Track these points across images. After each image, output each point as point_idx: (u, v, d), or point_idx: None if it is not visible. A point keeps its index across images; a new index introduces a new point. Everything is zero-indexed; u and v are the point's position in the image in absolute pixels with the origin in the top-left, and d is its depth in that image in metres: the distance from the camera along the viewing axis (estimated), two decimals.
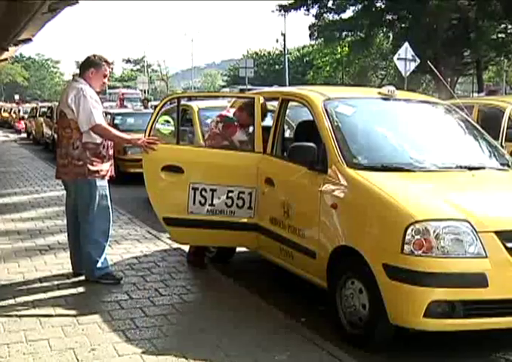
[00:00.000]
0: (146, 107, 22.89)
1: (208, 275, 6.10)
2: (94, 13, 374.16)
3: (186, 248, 7.05)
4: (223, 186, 5.80)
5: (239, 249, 6.74)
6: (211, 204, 5.82)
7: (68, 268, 6.14)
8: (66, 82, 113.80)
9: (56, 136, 5.67)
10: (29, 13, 13.02)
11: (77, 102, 5.60)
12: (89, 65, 5.86)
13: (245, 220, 5.88)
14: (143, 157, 5.99)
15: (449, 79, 32.50)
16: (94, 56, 5.94)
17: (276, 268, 5.83)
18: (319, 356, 4.22)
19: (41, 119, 25.08)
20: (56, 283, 5.72)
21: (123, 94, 49.70)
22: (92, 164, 5.66)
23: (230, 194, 5.80)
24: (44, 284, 5.69)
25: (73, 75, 6.09)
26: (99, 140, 5.69)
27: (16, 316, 4.84)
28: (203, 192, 5.80)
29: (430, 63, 9.38)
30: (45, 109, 27.16)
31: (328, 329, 4.83)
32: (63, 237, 7.49)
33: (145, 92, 51.54)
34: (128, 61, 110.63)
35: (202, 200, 5.82)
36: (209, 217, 5.84)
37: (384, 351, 4.51)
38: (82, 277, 5.84)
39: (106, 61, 5.96)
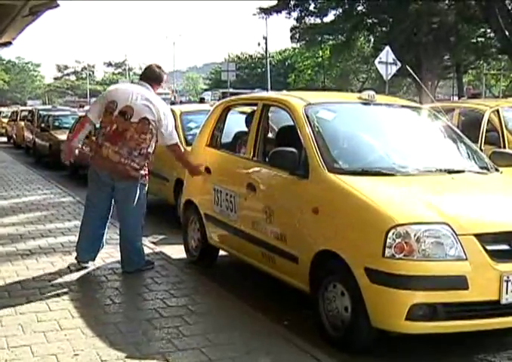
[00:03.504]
0: None
1: (191, 279, 6.10)
2: (75, 16, 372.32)
3: (168, 252, 7.07)
4: (225, 189, 6.14)
5: (222, 252, 6.76)
6: (221, 205, 6.24)
7: (49, 272, 6.13)
8: (47, 85, 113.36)
9: (115, 131, 6.06)
10: (10, 16, 12.91)
11: (167, 117, 6.17)
12: (160, 80, 6.40)
13: (233, 224, 6.01)
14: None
15: (430, 83, 32.73)
16: (159, 67, 6.47)
17: (259, 272, 5.84)
18: (302, 359, 4.23)
19: (22, 123, 24.93)
20: (37, 287, 5.70)
21: None
22: (144, 169, 6.26)
23: (229, 198, 6.06)
24: (26, 289, 5.65)
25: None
26: (153, 149, 6.26)
27: None
28: (218, 194, 6.29)
29: (408, 67, 9.45)
30: (26, 113, 27.01)
31: (311, 332, 4.85)
32: (45, 242, 7.51)
33: None
34: (110, 64, 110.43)
35: (217, 200, 6.31)
36: (220, 217, 6.30)
37: (366, 353, 4.54)
38: (62, 280, 5.85)
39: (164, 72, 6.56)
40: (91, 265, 6.43)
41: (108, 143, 6.07)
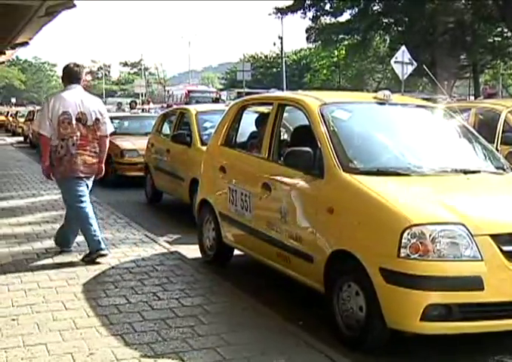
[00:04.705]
0: (133, 108, 21.69)
1: (206, 279, 6.11)
2: (91, 16, 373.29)
3: (183, 252, 7.08)
4: (240, 189, 6.13)
5: (236, 252, 6.76)
6: (236, 205, 6.23)
7: (65, 271, 6.17)
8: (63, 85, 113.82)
9: (81, 137, 6.60)
10: (26, 17, 13.01)
11: (104, 109, 6.85)
12: (82, 76, 6.83)
13: (248, 223, 6.01)
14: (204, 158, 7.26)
15: (446, 82, 32.58)
16: (77, 65, 6.89)
17: (273, 271, 5.84)
18: (316, 358, 4.23)
19: None
20: (53, 286, 5.74)
21: (189, 92, 40.79)
22: None
23: (244, 197, 6.05)
24: (42, 288, 5.69)
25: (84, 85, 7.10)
26: None
27: (14, 320, 4.84)
28: (233, 193, 6.26)
29: (425, 67, 9.44)
30: None
31: (325, 331, 4.84)
32: None
33: (142, 95, 50.55)
34: (125, 64, 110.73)
35: (232, 200, 6.29)
36: (235, 216, 6.28)
37: (380, 353, 4.53)
38: (77, 279, 5.90)
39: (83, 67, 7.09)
40: (106, 264, 6.46)
41: (81, 150, 6.57)
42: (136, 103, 24.33)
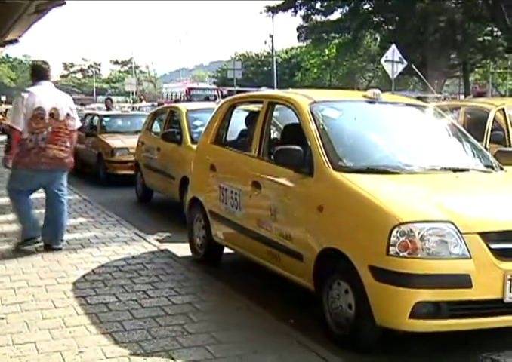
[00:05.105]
0: (109, 108, 20.23)
1: (197, 277, 6.11)
2: (81, 14, 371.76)
3: (173, 250, 7.08)
4: (230, 187, 6.14)
5: (227, 250, 6.76)
6: (226, 203, 6.22)
7: (55, 270, 6.16)
8: (53, 83, 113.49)
9: (53, 132, 6.83)
10: (16, 14, 12.93)
11: (74, 107, 7.18)
12: (50, 73, 7.12)
13: (238, 222, 6.01)
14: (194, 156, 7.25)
15: (436, 81, 32.70)
16: (45, 62, 7.16)
17: (264, 270, 5.85)
18: (307, 357, 4.24)
19: None
20: (43, 285, 5.72)
21: (190, 90, 39.77)
22: None
23: (234, 195, 6.05)
24: (31, 286, 5.67)
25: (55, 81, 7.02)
26: None
27: (3, 319, 4.83)
28: (223, 191, 6.27)
29: (414, 67, 9.47)
30: None
31: (316, 330, 4.85)
32: None
33: (133, 93, 50.30)
34: (116, 62, 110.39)
35: (222, 198, 6.28)
36: (225, 215, 6.28)
37: (370, 351, 4.54)
38: (67, 278, 5.89)
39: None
40: (96, 263, 6.45)
41: (51, 145, 6.76)
42: (112, 101, 22.78)
